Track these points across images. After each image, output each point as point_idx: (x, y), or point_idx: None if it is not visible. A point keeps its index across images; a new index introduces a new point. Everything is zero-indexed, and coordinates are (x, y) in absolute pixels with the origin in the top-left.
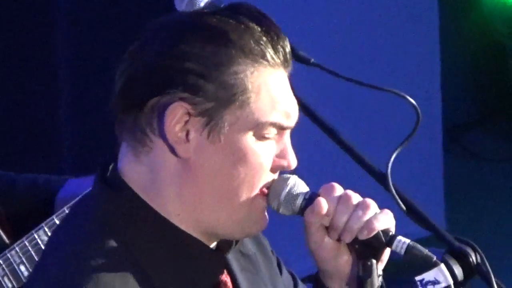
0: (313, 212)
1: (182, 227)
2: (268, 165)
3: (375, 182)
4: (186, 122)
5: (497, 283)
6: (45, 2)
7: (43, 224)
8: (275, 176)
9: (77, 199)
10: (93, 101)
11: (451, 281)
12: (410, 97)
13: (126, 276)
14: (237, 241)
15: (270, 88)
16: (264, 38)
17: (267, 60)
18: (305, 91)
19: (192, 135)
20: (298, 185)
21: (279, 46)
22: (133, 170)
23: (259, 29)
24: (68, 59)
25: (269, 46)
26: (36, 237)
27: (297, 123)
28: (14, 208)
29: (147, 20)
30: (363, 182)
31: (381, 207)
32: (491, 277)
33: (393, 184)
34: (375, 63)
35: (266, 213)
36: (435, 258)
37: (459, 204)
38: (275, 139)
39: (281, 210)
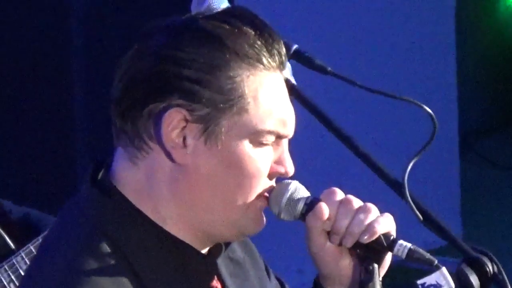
0: (315, 216)
1: (175, 231)
2: (265, 171)
3: (391, 191)
4: (183, 128)
5: None
6: (61, 8)
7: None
8: (273, 182)
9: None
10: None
11: (452, 285)
12: (426, 104)
13: (121, 280)
14: (226, 246)
15: (266, 93)
16: (259, 42)
17: (263, 64)
18: (321, 99)
19: (189, 140)
20: (299, 190)
21: (274, 49)
22: (128, 174)
23: (253, 32)
24: (83, 64)
25: (264, 49)
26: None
27: (313, 130)
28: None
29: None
30: (378, 191)
31: (397, 215)
32: (507, 287)
33: (409, 193)
34: (391, 71)
35: (263, 214)
36: (436, 262)
37: (476, 212)
38: (272, 146)
39: (282, 216)
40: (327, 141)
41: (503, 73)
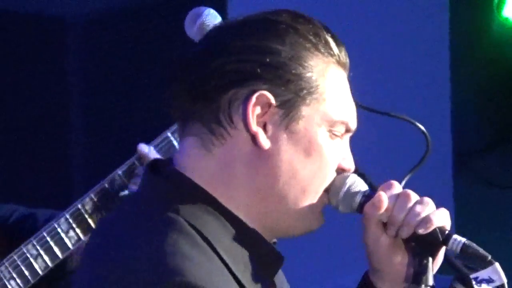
0: (373, 206)
1: (248, 220)
2: (335, 163)
3: None
4: (265, 113)
5: None
6: (57, 28)
7: (31, 239)
8: None
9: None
10: (105, 126)
11: (505, 280)
12: (420, 123)
13: (216, 262)
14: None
15: (340, 85)
16: (331, 39)
17: (336, 58)
18: None
19: (270, 126)
20: (357, 183)
21: (342, 48)
22: (201, 162)
23: (324, 30)
24: (80, 81)
25: (336, 45)
26: (25, 251)
27: None
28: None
29: (161, 48)
30: None
31: None
32: None
33: None
34: (384, 89)
35: (322, 212)
36: (490, 257)
37: (469, 230)
38: (341, 139)
39: (340, 208)
40: None
41: (497, 91)
